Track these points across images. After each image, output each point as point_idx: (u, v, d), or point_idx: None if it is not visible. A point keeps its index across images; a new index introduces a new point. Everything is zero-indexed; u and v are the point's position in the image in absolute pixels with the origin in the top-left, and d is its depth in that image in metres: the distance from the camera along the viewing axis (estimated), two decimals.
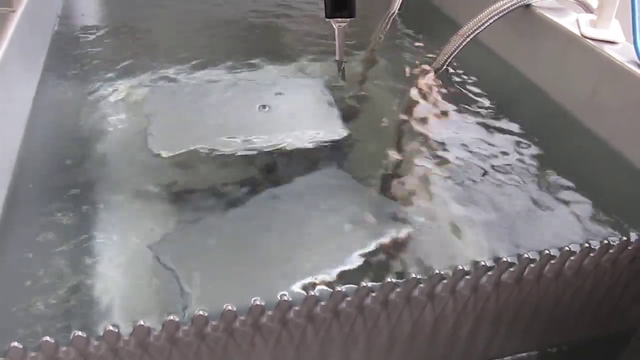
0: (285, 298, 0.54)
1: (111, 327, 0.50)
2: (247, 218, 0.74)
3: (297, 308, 0.55)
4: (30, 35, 1.01)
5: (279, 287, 0.62)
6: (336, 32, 1.09)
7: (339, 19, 1.07)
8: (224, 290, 0.64)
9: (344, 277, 0.65)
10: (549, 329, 0.70)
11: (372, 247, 0.70)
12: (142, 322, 0.50)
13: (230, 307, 0.52)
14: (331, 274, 0.66)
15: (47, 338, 0.48)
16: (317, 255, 0.69)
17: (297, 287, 0.64)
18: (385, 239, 0.71)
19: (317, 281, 0.65)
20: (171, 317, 0.51)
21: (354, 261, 0.68)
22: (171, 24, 1.31)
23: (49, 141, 0.88)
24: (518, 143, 0.90)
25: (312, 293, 0.54)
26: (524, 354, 0.72)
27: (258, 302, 0.53)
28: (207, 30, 1.27)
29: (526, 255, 0.61)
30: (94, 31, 1.23)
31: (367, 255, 0.69)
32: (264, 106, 0.97)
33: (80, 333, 0.49)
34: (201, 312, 0.51)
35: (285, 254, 0.69)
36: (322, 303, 0.55)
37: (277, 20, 1.32)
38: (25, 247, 0.68)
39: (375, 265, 0.68)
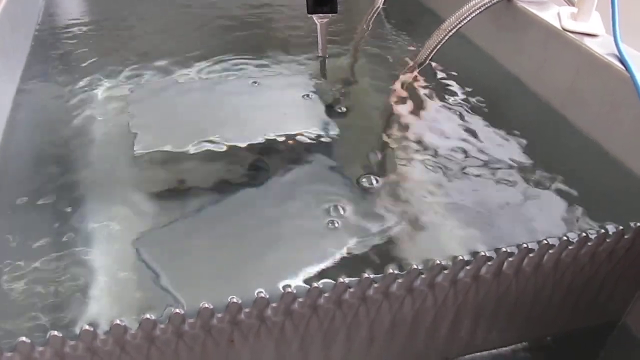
0: (263, 295, 0.54)
1: (87, 327, 0.50)
2: (228, 215, 0.74)
3: (274, 305, 0.55)
4: (11, 32, 1.00)
5: (257, 285, 0.62)
6: (318, 27, 1.09)
7: (321, 15, 1.07)
8: (203, 287, 0.64)
9: (324, 273, 0.65)
10: (529, 322, 0.71)
11: (354, 243, 0.70)
12: (118, 321, 0.50)
13: (207, 305, 0.52)
14: (311, 271, 0.65)
15: (23, 338, 0.48)
16: (297, 252, 0.69)
17: (275, 284, 0.63)
18: (368, 236, 0.71)
19: (295, 278, 0.65)
20: (148, 316, 0.51)
21: (335, 257, 0.68)
22: (155, 21, 1.30)
23: (30, 140, 0.87)
24: (500, 136, 0.90)
25: (290, 290, 0.54)
26: (505, 348, 0.72)
27: (235, 300, 0.53)
28: (191, 27, 1.26)
29: (504, 249, 0.61)
30: (77, 28, 1.23)
31: (349, 252, 0.69)
32: (248, 103, 0.97)
33: (56, 333, 0.49)
34: (178, 310, 0.51)
35: (265, 250, 0.69)
36: (300, 299, 0.55)
37: (261, 17, 1.32)
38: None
39: (357, 261, 0.68)
